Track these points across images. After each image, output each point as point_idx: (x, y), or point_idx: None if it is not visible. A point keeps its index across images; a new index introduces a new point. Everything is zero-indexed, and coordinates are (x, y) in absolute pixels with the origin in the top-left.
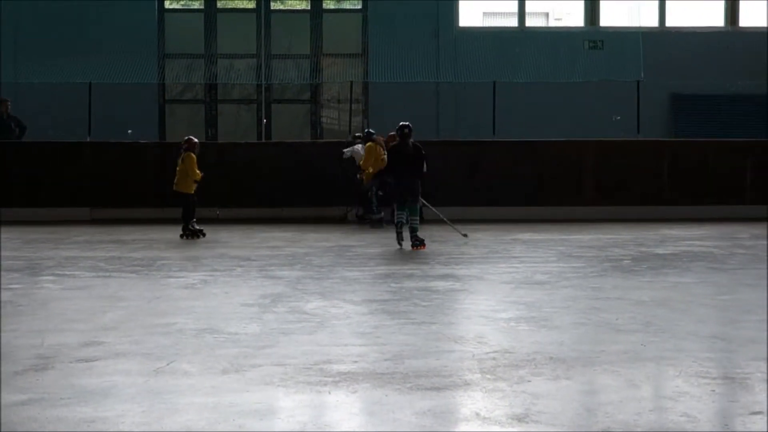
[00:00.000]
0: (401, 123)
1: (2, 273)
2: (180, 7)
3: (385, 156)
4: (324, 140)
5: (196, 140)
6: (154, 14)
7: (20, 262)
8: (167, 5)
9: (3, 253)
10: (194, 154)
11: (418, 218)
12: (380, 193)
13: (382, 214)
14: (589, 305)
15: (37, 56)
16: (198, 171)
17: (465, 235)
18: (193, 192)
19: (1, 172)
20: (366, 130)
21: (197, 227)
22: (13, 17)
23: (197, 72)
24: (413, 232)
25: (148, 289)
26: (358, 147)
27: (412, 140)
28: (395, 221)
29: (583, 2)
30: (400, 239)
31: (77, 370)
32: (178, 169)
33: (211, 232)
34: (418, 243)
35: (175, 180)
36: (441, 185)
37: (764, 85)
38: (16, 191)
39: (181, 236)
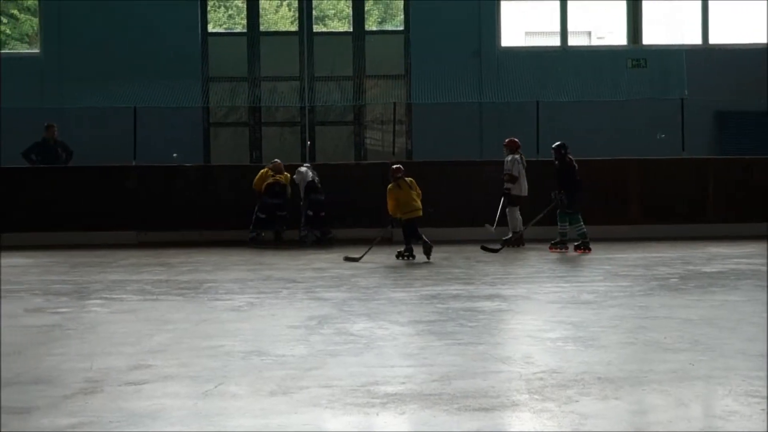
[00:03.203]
0: (563, 142)
1: (51, 297)
2: (223, 30)
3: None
4: (368, 161)
5: None
6: (197, 38)
7: (68, 285)
8: (210, 29)
9: (50, 278)
10: None
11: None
12: (310, 213)
13: (307, 233)
14: (637, 324)
15: (83, 81)
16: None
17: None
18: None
19: (49, 197)
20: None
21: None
22: (58, 42)
23: (241, 95)
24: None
25: (195, 311)
26: (304, 169)
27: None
28: (580, 233)
29: (625, 20)
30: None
31: (126, 394)
32: (408, 194)
33: (255, 255)
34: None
35: (418, 206)
36: (485, 205)
37: None
38: (63, 216)
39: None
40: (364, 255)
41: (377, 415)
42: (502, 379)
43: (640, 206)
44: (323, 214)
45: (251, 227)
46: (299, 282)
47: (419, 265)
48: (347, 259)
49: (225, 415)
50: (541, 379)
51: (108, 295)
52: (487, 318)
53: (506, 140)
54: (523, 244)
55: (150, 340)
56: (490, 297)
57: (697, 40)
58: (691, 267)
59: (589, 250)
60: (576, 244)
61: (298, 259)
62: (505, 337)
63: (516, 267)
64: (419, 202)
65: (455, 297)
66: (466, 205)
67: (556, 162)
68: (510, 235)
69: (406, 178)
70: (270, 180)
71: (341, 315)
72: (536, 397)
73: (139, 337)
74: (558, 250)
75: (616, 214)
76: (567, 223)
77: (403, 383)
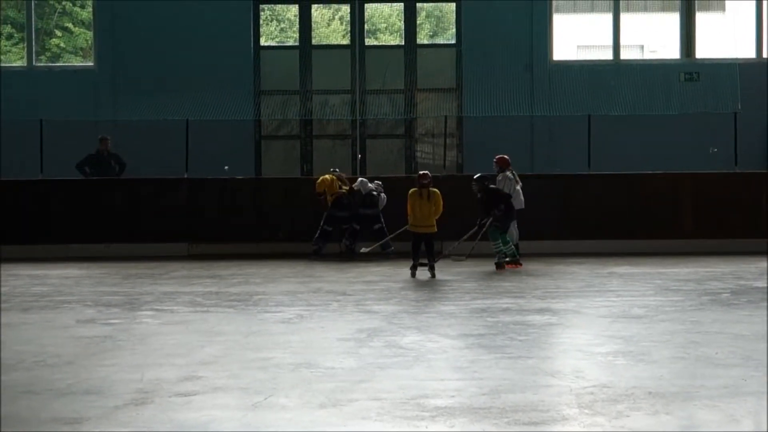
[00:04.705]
0: (481, 175)
1: (102, 308)
2: (275, 44)
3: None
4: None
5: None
6: (250, 51)
7: (120, 297)
8: (263, 42)
9: (102, 289)
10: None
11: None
12: (324, 226)
13: (317, 246)
14: (688, 339)
15: (136, 94)
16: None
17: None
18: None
19: (101, 209)
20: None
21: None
22: (112, 56)
23: (292, 108)
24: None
25: (245, 323)
26: (371, 185)
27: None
28: (498, 250)
29: (678, 34)
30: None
31: (176, 405)
32: (425, 208)
33: (306, 267)
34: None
35: (426, 223)
36: (535, 218)
37: None
38: (116, 227)
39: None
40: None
41: (426, 428)
42: (552, 394)
43: (692, 220)
44: (377, 227)
45: (314, 239)
46: (349, 294)
47: (469, 278)
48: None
49: (274, 427)
50: (592, 393)
51: (159, 307)
52: (537, 332)
53: (496, 157)
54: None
55: (200, 352)
56: (541, 311)
57: (751, 53)
58: (743, 282)
59: (503, 268)
60: (497, 261)
61: (348, 272)
62: (555, 351)
63: (566, 281)
64: (433, 219)
65: (505, 310)
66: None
67: (479, 194)
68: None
69: (432, 189)
70: (339, 192)
71: (391, 328)
72: (586, 411)
73: (190, 348)
74: (514, 265)
75: (668, 228)
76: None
77: (453, 396)
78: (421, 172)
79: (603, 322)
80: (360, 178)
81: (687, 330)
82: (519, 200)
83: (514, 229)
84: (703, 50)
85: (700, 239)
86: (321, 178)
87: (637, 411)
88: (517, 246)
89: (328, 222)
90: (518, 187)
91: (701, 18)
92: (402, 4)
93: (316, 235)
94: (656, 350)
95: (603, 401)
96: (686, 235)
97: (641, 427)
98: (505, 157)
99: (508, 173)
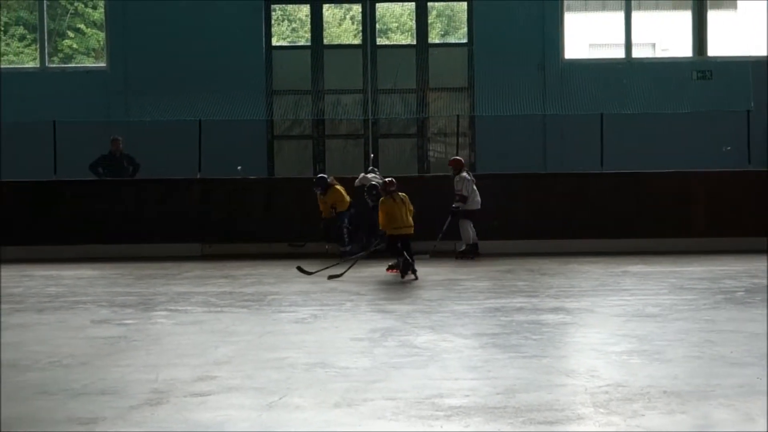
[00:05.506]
0: (373, 183)
1: (117, 309)
2: (287, 44)
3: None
4: (431, 174)
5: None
6: (261, 52)
7: (134, 297)
8: (274, 42)
9: (116, 289)
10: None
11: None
12: (349, 227)
13: (350, 247)
14: (703, 338)
15: (148, 95)
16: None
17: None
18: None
19: (116, 209)
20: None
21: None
22: (124, 56)
23: (305, 108)
24: None
25: (260, 323)
26: (370, 176)
27: None
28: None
29: (690, 32)
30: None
31: (191, 405)
32: (403, 210)
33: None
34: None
35: (407, 223)
36: (547, 217)
37: None
38: (130, 228)
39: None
40: (323, 270)
41: (441, 427)
42: (567, 393)
43: (705, 219)
44: None
45: (345, 239)
46: (363, 294)
47: (482, 277)
48: (300, 269)
49: (289, 426)
50: (606, 392)
51: (173, 307)
52: (552, 331)
53: (451, 159)
54: (478, 256)
55: (215, 352)
56: (554, 310)
57: (763, 51)
58: (757, 280)
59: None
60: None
61: (360, 272)
62: (570, 350)
63: (580, 280)
64: (411, 220)
65: (519, 310)
66: (528, 217)
67: (372, 203)
68: (463, 248)
69: (400, 193)
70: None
71: (405, 327)
72: (601, 410)
73: (204, 348)
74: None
75: (681, 227)
76: None
77: (467, 396)
78: (387, 180)
79: (617, 321)
80: (362, 174)
81: (701, 329)
82: (475, 201)
83: (471, 229)
84: (716, 48)
85: (714, 238)
86: (341, 195)
87: (652, 410)
88: (476, 245)
89: (351, 222)
90: (475, 187)
91: (713, 16)
92: (413, 3)
93: (345, 237)
94: (671, 349)
95: (618, 400)
96: (699, 233)
97: (657, 427)
98: (459, 158)
99: (464, 174)
